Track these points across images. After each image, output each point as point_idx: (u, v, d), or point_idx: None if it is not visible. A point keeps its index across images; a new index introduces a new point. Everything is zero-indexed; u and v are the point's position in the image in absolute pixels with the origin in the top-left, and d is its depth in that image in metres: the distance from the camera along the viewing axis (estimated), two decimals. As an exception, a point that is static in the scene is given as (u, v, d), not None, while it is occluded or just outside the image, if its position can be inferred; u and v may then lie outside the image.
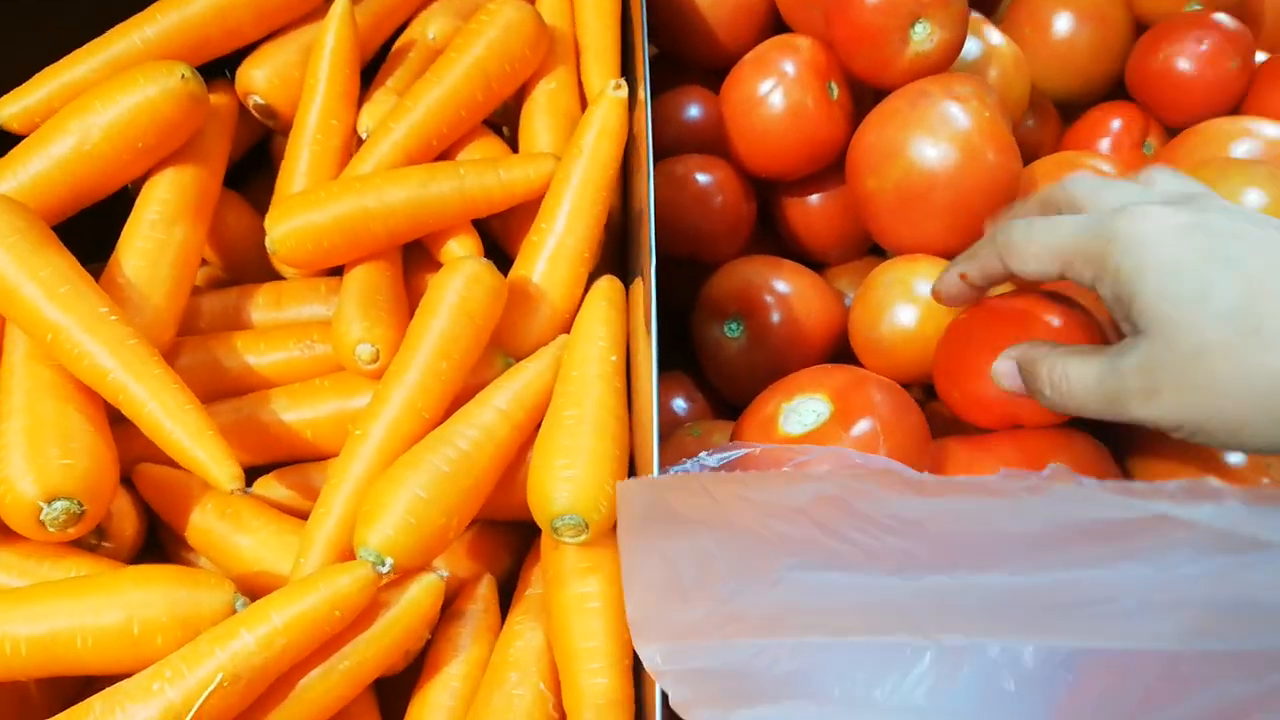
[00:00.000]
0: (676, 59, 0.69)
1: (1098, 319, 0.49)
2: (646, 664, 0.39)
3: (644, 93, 0.51)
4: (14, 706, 0.44)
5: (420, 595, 0.45)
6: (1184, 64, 0.66)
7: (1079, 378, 0.42)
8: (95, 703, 0.39)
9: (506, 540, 0.55)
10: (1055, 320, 0.46)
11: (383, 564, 0.44)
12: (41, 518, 0.43)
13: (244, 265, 0.64)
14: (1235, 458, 0.49)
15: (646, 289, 0.44)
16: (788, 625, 0.36)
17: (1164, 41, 0.66)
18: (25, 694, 0.45)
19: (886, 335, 0.53)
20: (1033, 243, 0.43)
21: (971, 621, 0.33)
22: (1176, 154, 0.63)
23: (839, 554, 0.35)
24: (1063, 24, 0.69)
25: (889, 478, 0.35)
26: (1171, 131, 0.69)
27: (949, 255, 0.57)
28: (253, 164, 0.69)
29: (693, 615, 0.38)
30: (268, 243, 0.55)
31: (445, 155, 0.63)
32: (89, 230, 0.55)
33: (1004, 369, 0.46)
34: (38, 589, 0.42)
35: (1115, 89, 0.73)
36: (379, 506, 0.45)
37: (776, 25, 0.64)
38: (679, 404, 0.61)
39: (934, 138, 0.52)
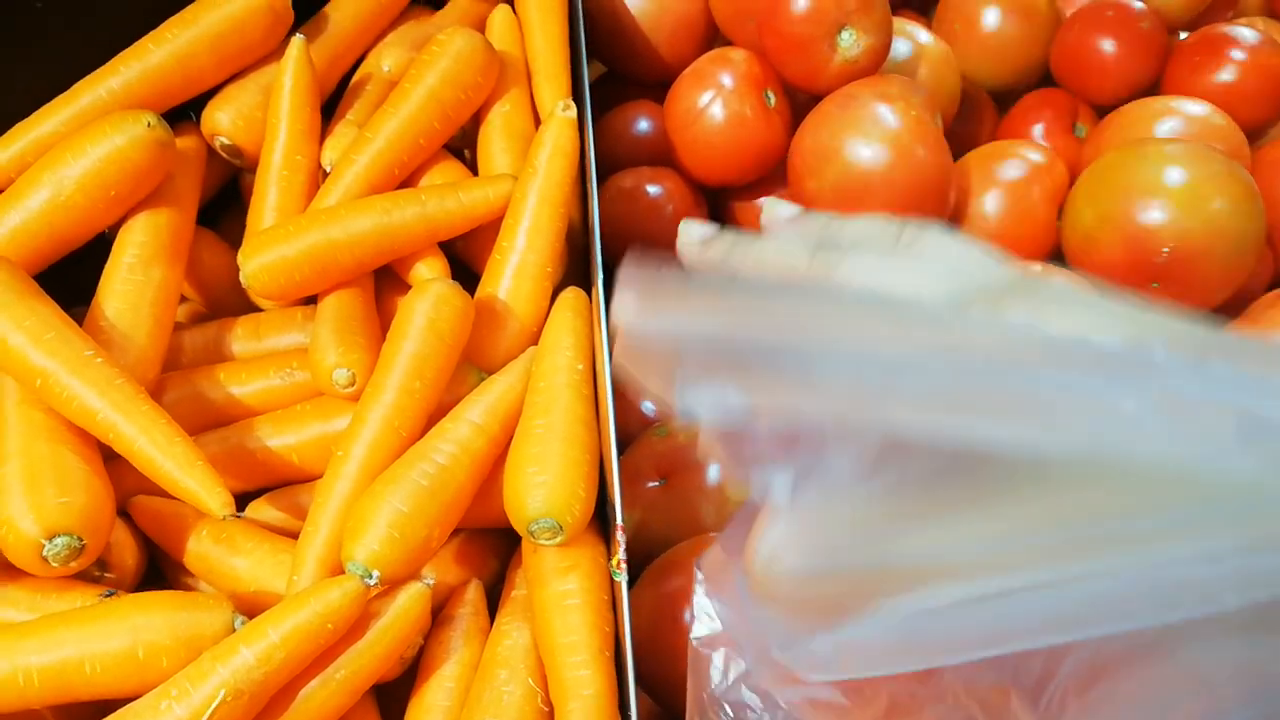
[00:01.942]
0: (624, 75, 0.72)
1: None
2: None
3: (586, 113, 0.54)
4: (31, 734, 0.46)
5: (408, 603, 0.47)
6: (1103, 45, 0.69)
7: None
8: (107, 724, 0.42)
9: (492, 546, 0.58)
10: None
11: (370, 577, 0.46)
12: (44, 554, 0.46)
13: (222, 299, 0.66)
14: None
15: (596, 300, 0.47)
16: None
17: (1081, 25, 0.70)
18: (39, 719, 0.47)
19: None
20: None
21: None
22: (1103, 136, 0.67)
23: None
24: (991, 18, 0.72)
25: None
26: (1100, 112, 0.72)
27: (891, 248, 0.60)
28: (224, 201, 0.71)
29: None
30: (242, 278, 0.58)
31: (408, 182, 0.66)
32: (69, 277, 0.57)
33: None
34: (45, 620, 0.45)
35: (1045, 77, 0.76)
36: (363, 523, 0.47)
37: (716, 39, 0.67)
38: (647, 406, 0.64)
39: (865, 138, 0.55)
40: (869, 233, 0.36)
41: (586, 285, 0.63)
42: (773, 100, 0.60)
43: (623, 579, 0.42)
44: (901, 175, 0.53)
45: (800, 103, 0.65)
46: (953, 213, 0.61)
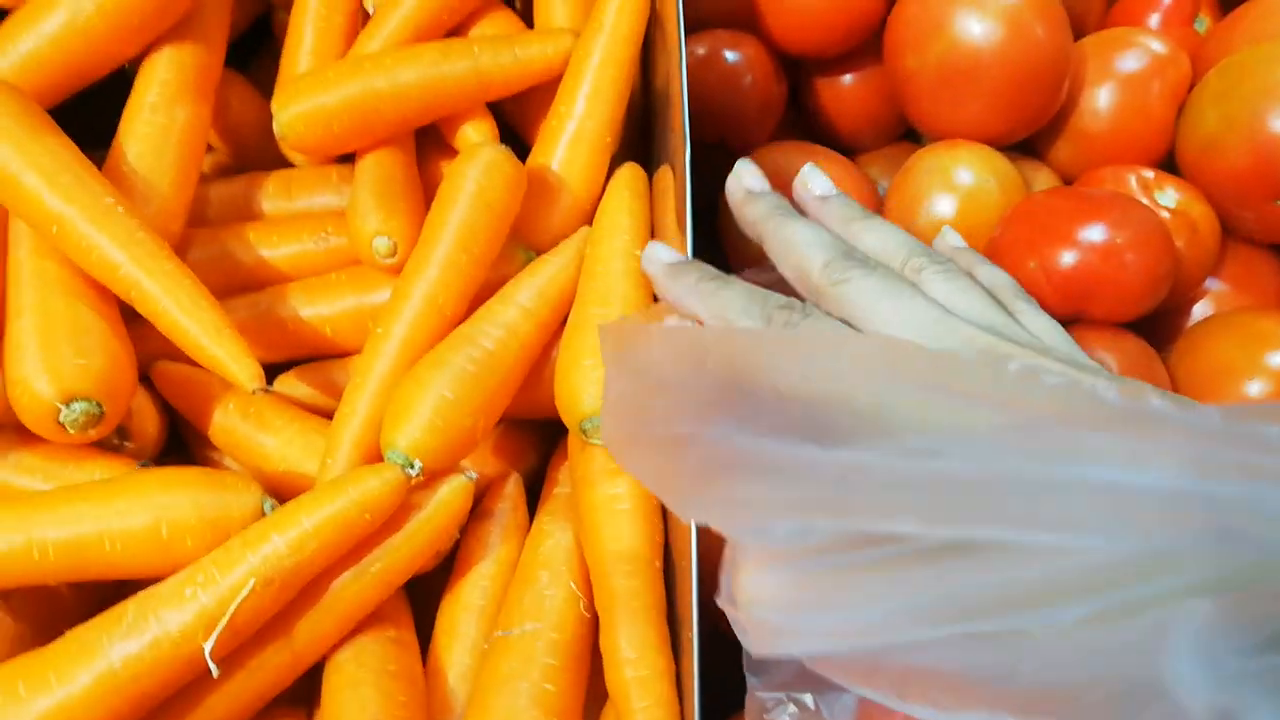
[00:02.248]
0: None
1: (1164, 223, 0.47)
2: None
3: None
4: (46, 609, 0.44)
5: (450, 497, 0.44)
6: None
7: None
8: (129, 607, 0.39)
9: (532, 439, 0.55)
10: (1141, 214, 0.45)
11: (411, 466, 0.43)
12: (60, 419, 0.42)
13: (250, 150, 0.61)
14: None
15: (680, 187, 0.42)
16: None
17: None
18: (56, 596, 0.45)
19: (924, 227, 0.50)
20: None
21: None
22: (1233, 30, 0.60)
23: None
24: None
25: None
26: (1225, 6, 0.65)
27: (992, 140, 0.54)
28: (254, 42, 0.65)
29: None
30: (275, 127, 0.53)
31: (456, 32, 0.59)
32: (84, 116, 0.52)
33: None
34: (63, 492, 0.42)
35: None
36: (406, 408, 0.44)
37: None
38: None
39: (980, 12, 0.48)
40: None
41: (640, 160, 0.57)
42: (874, -39, 0.53)
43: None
44: (1017, 56, 0.47)
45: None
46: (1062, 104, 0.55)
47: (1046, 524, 0.28)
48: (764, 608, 0.33)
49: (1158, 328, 0.55)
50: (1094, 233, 0.44)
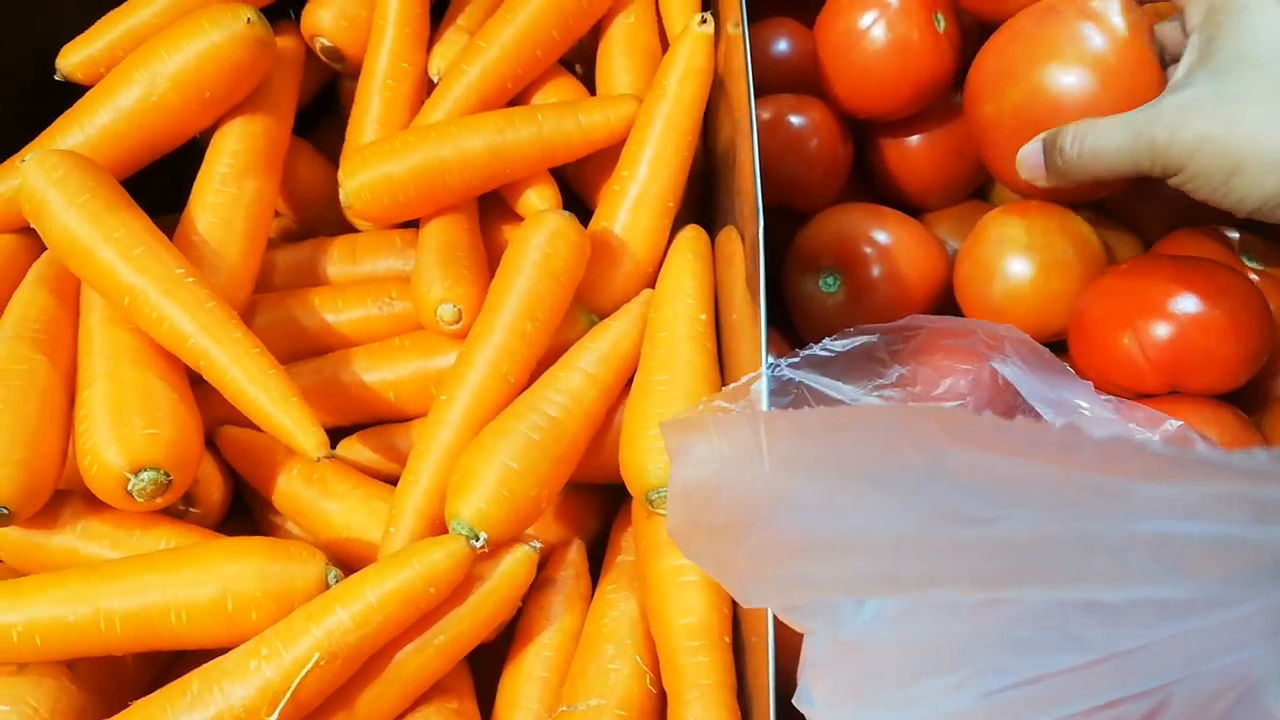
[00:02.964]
0: (760, -11, 0.65)
1: (1260, 291, 0.46)
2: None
3: (741, 27, 0.47)
4: (111, 679, 0.44)
5: (514, 568, 0.43)
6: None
7: (1106, 128, 0.43)
8: (193, 680, 0.39)
9: (594, 503, 0.54)
10: (1239, 285, 0.43)
11: (476, 538, 0.42)
12: (129, 488, 0.43)
13: (316, 216, 0.62)
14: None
15: (752, 255, 0.41)
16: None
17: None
18: (120, 665, 0.45)
19: (999, 295, 0.49)
20: None
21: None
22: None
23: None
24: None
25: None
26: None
27: (1071, 196, 0.53)
28: (320, 109, 0.66)
29: None
30: (342, 196, 0.53)
31: (519, 99, 0.60)
32: (157, 183, 0.53)
33: (1028, 150, 0.47)
34: (130, 562, 0.42)
35: None
36: (470, 478, 0.43)
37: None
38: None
39: (1062, 61, 0.47)
40: None
41: (701, 222, 0.57)
42: (942, 24, 0.52)
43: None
44: (1103, 106, 0.46)
45: (968, 27, 0.57)
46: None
47: (1101, 578, 0.28)
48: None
49: (1245, 395, 0.53)
50: (1189, 304, 0.43)
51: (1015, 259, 0.49)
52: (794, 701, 0.34)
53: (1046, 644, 0.30)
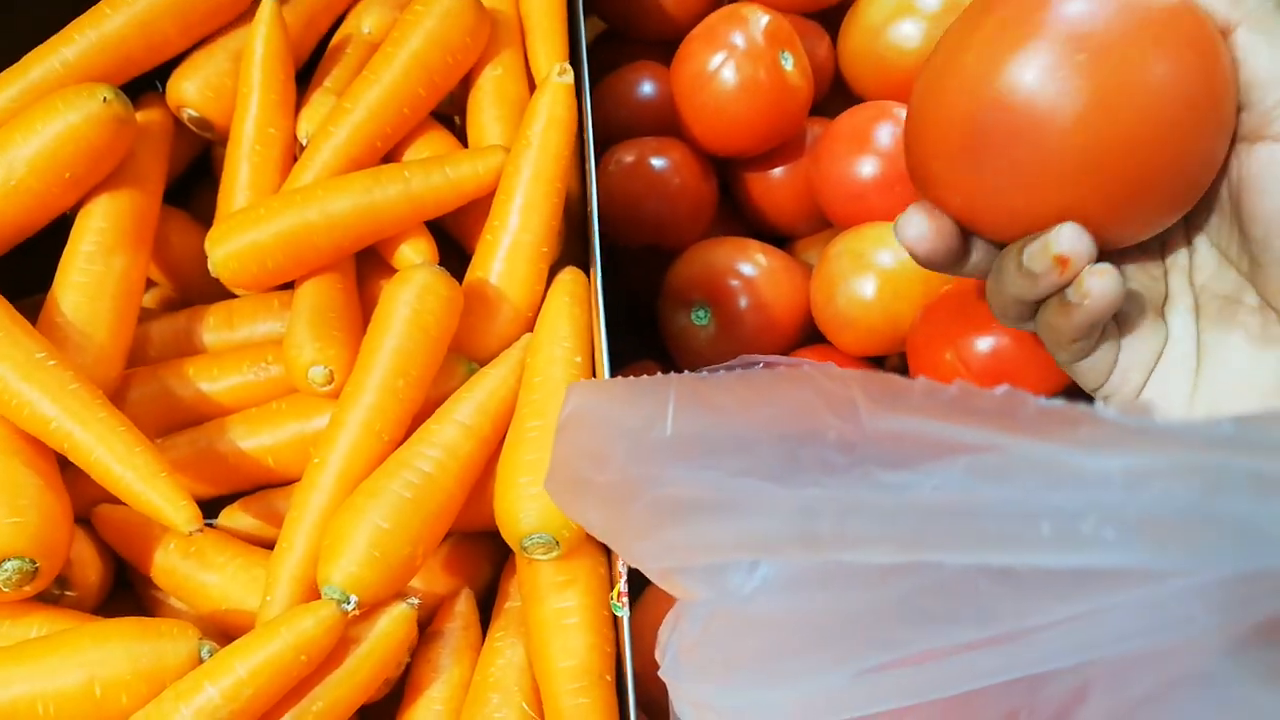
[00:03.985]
0: (627, 33, 0.66)
1: None
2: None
3: (584, 78, 0.49)
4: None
5: (391, 628, 0.44)
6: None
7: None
8: (61, 771, 0.38)
9: (485, 550, 0.54)
10: None
11: (347, 601, 0.42)
12: (-6, 579, 0.42)
13: (195, 283, 0.62)
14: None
15: (594, 290, 0.42)
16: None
17: None
18: (-5, 759, 0.44)
19: (845, 314, 0.51)
20: None
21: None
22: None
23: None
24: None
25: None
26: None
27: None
28: (197, 175, 0.66)
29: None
30: (210, 266, 0.53)
31: (392, 155, 0.61)
32: (22, 264, 0.53)
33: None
34: (-5, 655, 0.41)
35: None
36: (340, 541, 0.43)
37: (728, -9, 0.61)
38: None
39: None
40: None
41: (585, 265, 0.58)
42: (790, 63, 0.54)
43: (624, 614, 0.37)
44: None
45: (820, 64, 0.59)
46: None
47: (1032, 546, 0.26)
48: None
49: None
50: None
51: (859, 279, 0.50)
52: (660, 673, 0.33)
53: (948, 616, 0.28)
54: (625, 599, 0.38)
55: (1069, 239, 0.33)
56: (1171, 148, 0.31)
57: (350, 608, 0.42)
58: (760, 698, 0.31)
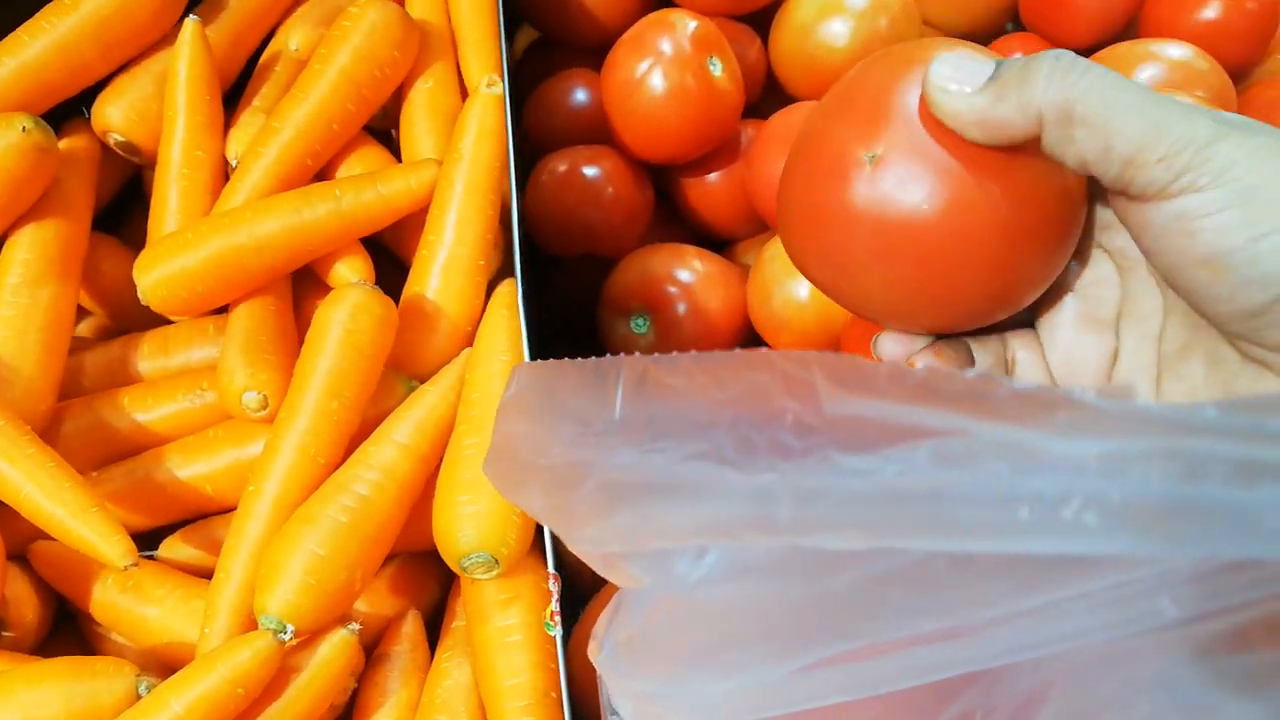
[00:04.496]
0: (560, 41, 0.66)
1: None
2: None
3: (498, 86, 0.48)
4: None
5: (332, 655, 0.43)
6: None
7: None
8: (-6, 818, 0.38)
9: (431, 570, 0.54)
10: None
11: (284, 631, 0.42)
12: (-78, 624, 0.42)
13: (129, 310, 0.61)
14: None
15: (520, 305, 0.42)
16: None
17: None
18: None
19: (779, 311, 0.51)
20: None
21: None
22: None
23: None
24: (954, -41, 0.66)
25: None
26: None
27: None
28: (129, 200, 0.65)
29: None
30: (140, 294, 0.53)
31: (324, 173, 0.60)
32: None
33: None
34: (-76, 703, 0.41)
35: (1014, 20, 0.71)
36: (276, 570, 0.43)
37: (659, -1, 0.61)
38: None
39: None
40: None
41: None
42: (719, 68, 0.54)
43: (557, 633, 0.37)
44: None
45: (751, 69, 0.59)
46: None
47: (1002, 534, 0.25)
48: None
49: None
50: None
51: (793, 282, 0.50)
52: (595, 663, 0.32)
53: (904, 605, 0.28)
54: (558, 618, 0.38)
55: (883, 347, 0.37)
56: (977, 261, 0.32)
57: (287, 637, 0.42)
58: (703, 690, 0.30)
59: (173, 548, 0.52)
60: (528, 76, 0.68)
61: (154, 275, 0.52)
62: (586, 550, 0.32)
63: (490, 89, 0.56)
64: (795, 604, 0.29)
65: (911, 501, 0.26)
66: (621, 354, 0.32)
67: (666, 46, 0.54)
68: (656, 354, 0.35)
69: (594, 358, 0.33)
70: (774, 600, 0.29)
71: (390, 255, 0.62)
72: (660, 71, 0.53)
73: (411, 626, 0.50)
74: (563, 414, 0.32)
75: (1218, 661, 0.26)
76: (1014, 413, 0.26)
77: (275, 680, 0.42)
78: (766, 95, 0.63)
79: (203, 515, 0.53)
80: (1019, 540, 0.25)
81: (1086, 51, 0.64)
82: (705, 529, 0.29)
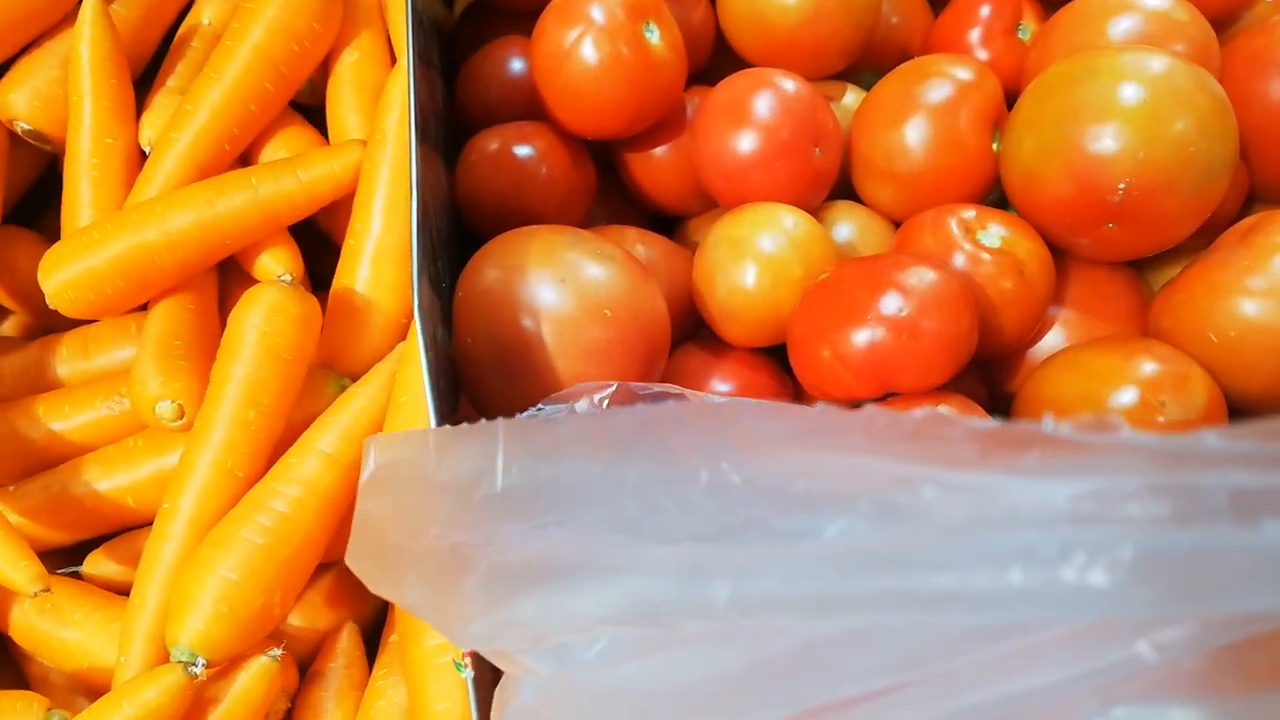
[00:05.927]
0: (495, 4, 0.62)
1: (976, 283, 0.45)
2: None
3: (408, 63, 0.44)
4: None
5: (250, 685, 0.42)
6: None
7: None
8: None
9: (369, 576, 0.52)
10: (928, 278, 0.42)
11: (195, 664, 0.40)
12: None
13: (50, 309, 0.58)
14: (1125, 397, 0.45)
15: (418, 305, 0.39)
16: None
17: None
18: None
19: (725, 300, 0.48)
20: None
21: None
22: (1049, 40, 0.57)
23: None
24: (918, -100, 0.62)
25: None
26: (1049, 6, 0.62)
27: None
28: (48, 191, 0.62)
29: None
30: (47, 298, 0.50)
31: (248, 155, 0.57)
32: None
33: None
34: None
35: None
36: (186, 598, 0.41)
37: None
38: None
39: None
40: None
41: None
42: (656, 35, 0.50)
43: (469, 675, 0.35)
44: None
45: (693, 34, 0.55)
46: (875, 150, 0.52)
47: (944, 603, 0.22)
48: None
49: (1002, 370, 0.53)
50: (878, 311, 0.42)
51: (738, 268, 0.47)
52: None
53: (849, 671, 0.25)
54: (469, 659, 0.36)
55: None
56: None
57: (198, 670, 0.40)
58: None
59: (96, 563, 0.49)
60: (463, 43, 0.64)
61: (59, 278, 0.49)
62: (475, 646, 0.29)
63: (415, 63, 0.53)
64: (703, 679, 0.26)
65: (867, 569, 0.23)
66: (499, 419, 0.29)
67: (597, 13, 0.50)
68: (541, 408, 0.32)
69: (465, 425, 0.30)
70: (678, 677, 0.26)
71: (327, 240, 0.59)
72: (591, 41, 0.49)
73: (348, 641, 0.48)
74: (435, 490, 0.29)
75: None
76: (974, 455, 0.23)
77: (193, 712, 0.41)
78: (716, 59, 0.59)
79: (127, 528, 0.50)
80: (1015, 609, 0.22)
81: (1061, 1, 0.59)
82: (625, 616, 0.25)
